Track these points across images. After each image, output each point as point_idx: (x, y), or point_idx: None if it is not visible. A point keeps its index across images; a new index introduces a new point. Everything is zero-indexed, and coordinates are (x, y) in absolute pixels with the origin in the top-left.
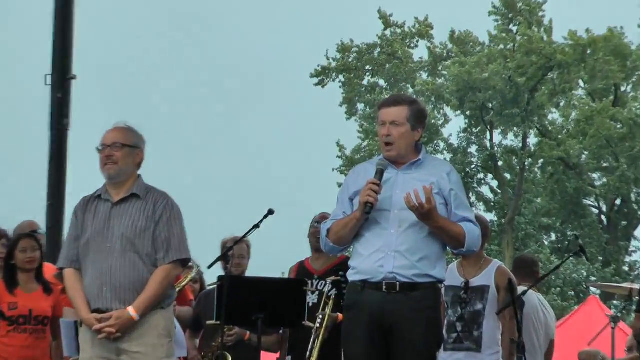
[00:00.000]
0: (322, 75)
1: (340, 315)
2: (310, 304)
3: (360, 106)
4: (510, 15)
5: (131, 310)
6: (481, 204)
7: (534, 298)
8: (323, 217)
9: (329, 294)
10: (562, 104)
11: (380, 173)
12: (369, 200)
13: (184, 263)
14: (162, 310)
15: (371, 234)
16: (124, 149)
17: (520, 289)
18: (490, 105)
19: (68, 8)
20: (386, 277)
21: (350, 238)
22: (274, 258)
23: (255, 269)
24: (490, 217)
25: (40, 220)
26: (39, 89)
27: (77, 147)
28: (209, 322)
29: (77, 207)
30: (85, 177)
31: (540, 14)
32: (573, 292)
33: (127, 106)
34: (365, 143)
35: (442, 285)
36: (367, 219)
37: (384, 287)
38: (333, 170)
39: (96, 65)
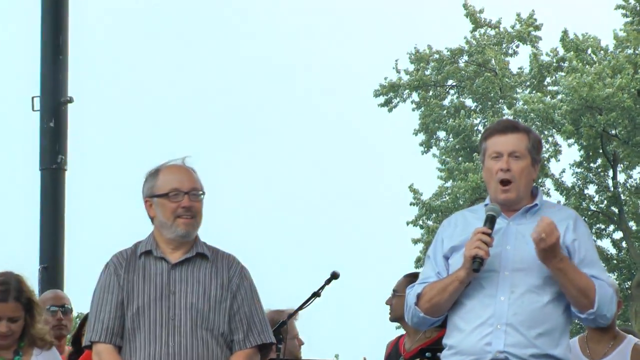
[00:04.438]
0: (390, 92)
1: None
2: None
3: (440, 134)
4: None
5: None
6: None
7: None
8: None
9: None
10: None
11: (491, 220)
12: (479, 254)
13: (264, 350)
14: None
15: (474, 302)
16: (200, 199)
17: None
18: (614, 131)
19: (60, 10)
20: (495, 357)
21: (448, 306)
22: (328, 335)
23: (308, 349)
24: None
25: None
26: (26, 116)
27: (75, 192)
28: None
29: (115, 264)
30: (83, 231)
31: None
32: None
33: (137, 139)
34: (449, 184)
35: None
36: (469, 281)
37: None
38: (408, 224)
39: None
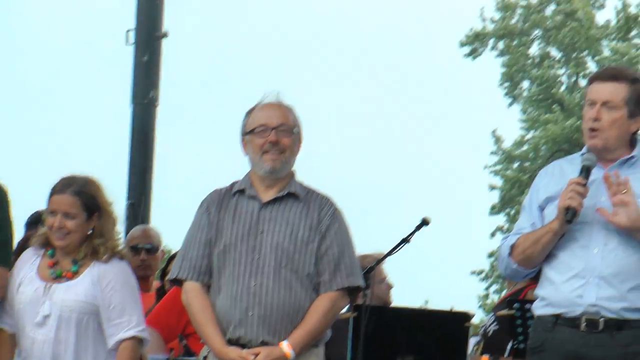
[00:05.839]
0: (476, 41)
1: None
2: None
3: (524, 83)
4: None
5: (286, 346)
6: None
7: None
8: None
9: (487, 330)
10: None
11: (586, 171)
12: (571, 205)
13: (353, 293)
14: (316, 349)
15: (566, 254)
16: (291, 135)
17: None
18: None
19: None
20: (587, 310)
21: (542, 258)
22: (415, 282)
23: (397, 295)
24: None
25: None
26: (120, 50)
27: (166, 129)
28: None
29: (209, 202)
30: (173, 168)
31: None
32: None
33: (232, 75)
34: (530, 135)
35: None
36: (563, 232)
37: (583, 325)
38: (485, 168)
39: (193, 20)
